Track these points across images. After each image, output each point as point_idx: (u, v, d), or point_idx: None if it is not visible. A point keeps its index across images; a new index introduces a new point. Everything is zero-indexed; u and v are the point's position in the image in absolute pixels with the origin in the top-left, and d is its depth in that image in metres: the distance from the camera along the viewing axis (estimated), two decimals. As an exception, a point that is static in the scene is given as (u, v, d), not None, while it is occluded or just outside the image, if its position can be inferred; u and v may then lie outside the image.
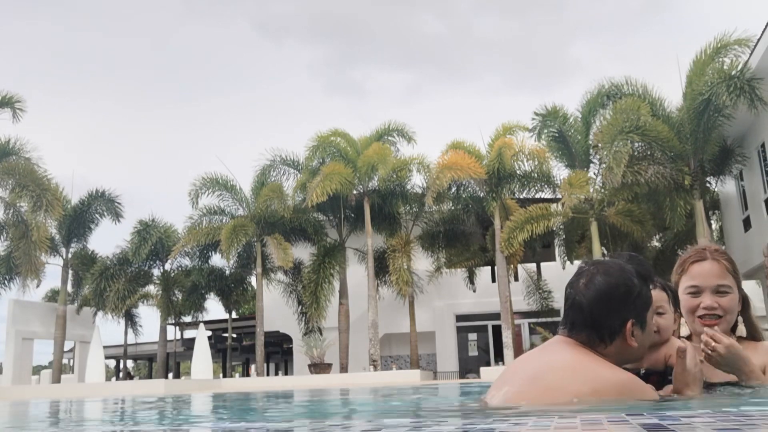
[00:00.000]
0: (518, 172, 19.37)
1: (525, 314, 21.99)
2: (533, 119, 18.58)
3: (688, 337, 2.25)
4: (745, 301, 2.19)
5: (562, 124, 18.31)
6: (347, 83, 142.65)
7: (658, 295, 2.12)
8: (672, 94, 19.05)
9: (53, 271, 33.42)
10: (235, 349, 29.98)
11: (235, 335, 28.71)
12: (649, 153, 16.98)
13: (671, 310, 2.15)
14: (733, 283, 2.14)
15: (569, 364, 1.70)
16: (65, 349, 24.08)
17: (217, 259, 23.83)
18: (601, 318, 1.73)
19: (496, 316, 20.35)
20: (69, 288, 23.99)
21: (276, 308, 23.27)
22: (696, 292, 2.16)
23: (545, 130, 18.53)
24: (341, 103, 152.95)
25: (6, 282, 22.24)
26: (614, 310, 1.73)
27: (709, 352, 1.99)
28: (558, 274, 21.50)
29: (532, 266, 22.45)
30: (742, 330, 2.17)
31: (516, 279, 21.99)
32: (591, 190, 17.63)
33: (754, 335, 2.19)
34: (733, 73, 15.05)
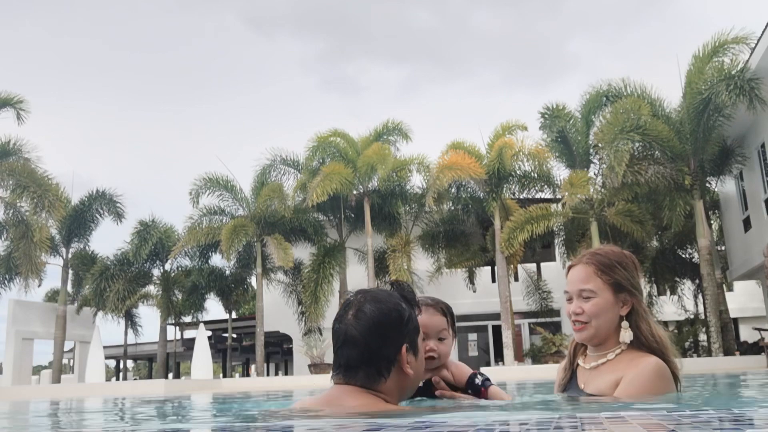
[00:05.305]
0: (518, 172, 19.37)
1: (525, 314, 21.98)
2: (539, 119, 18.59)
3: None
4: (633, 306, 2.00)
5: (567, 123, 18.32)
6: (342, 80, 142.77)
7: (439, 321, 2.07)
8: (671, 93, 19.07)
9: (53, 271, 33.41)
10: (235, 349, 29.97)
11: (235, 335, 28.68)
12: (649, 153, 16.99)
13: (451, 334, 2.08)
14: (600, 286, 1.99)
15: None
16: (65, 349, 24.06)
17: (217, 259, 23.84)
18: (376, 348, 1.63)
19: (496, 316, 20.34)
20: (69, 288, 23.97)
21: (276, 308, 23.25)
22: (569, 298, 2.06)
23: (549, 129, 18.53)
24: (336, 100, 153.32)
25: (6, 282, 22.23)
26: (389, 337, 1.64)
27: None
28: (558, 274, 21.48)
29: (532, 266, 22.43)
30: (625, 336, 1.98)
31: (516, 279, 21.96)
32: (591, 190, 17.63)
33: (650, 345, 1.97)
34: (733, 72, 15.03)
